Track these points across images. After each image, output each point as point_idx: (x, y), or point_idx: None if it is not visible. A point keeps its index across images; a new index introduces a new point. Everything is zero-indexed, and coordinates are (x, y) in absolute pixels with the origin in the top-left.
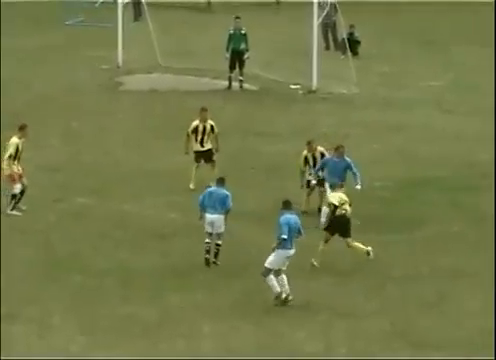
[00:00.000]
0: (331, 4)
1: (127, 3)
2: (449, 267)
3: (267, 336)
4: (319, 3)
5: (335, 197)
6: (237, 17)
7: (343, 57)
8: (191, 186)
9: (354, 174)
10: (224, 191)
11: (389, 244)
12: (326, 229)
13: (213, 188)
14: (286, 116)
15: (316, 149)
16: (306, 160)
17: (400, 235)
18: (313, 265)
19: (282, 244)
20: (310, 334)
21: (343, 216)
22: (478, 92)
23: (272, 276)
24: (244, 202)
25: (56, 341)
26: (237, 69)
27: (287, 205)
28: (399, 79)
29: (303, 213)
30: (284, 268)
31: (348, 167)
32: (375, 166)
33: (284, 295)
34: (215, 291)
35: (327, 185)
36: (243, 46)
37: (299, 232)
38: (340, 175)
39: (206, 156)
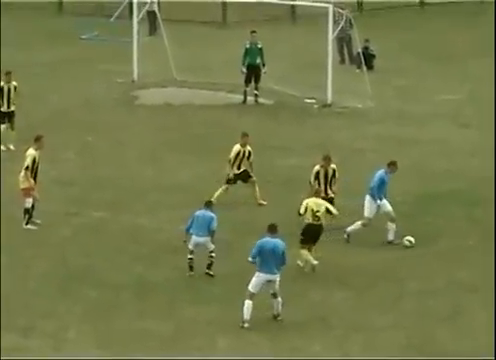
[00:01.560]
0: (346, 18)
1: (142, 18)
2: (465, 281)
3: (283, 351)
4: (334, 17)
5: (309, 204)
6: (253, 31)
7: (358, 71)
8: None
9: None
10: (210, 214)
11: (405, 257)
12: (302, 238)
13: (201, 211)
14: (301, 130)
15: (330, 165)
16: (317, 175)
17: (416, 249)
18: (298, 265)
19: (259, 267)
20: (326, 348)
21: (317, 225)
22: (494, 106)
23: (248, 301)
24: (260, 215)
25: (72, 355)
26: (252, 83)
27: (271, 229)
28: (414, 93)
29: None
30: (276, 290)
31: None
32: (392, 181)
33: (245, 324)
34: (230, 305)
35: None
36: (259, 60)
37: (282, 258)
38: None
39: (243, 176)
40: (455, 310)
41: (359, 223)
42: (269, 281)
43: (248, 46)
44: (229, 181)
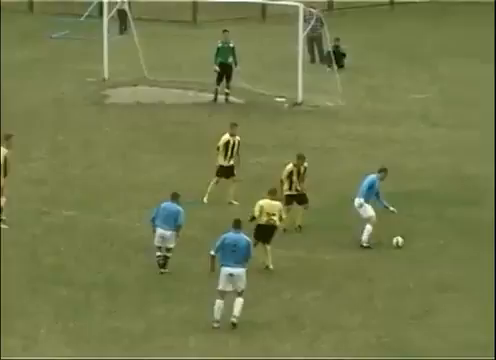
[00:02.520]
0: (317, 17)
1: (112, 16)
2: (435, 280)
3: (254, 350)
4: (305, 16)
5: (263, 205)
6: (225, 30)
7: (329, 70)
8: (205, 200)
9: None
10: (177, 207)
11: (376, 257)
12: (254, 236)
13: (167, 203)
14: (272, 129)
15: (303, 164)
16: (290, 174)
17: (387, 248)
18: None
19: (222, 261)
20: (296, 347)
21: (270, 226)
22: (464, 105)
23: (219, 301)
24: (231, 213)
25: (42, 354)
26: (224, 82)
27: (235, 224)
28: (385, 92)
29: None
30: (239, 289)
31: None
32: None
33: (215, 324)
34: (202, 304)
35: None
36: (231, 59)
37: (244, 253)
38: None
39: (229, 172)
40: (425, 309)
41: (369, 228)
42: (231, 275)
43: (220, 45)
44: (218, 174)
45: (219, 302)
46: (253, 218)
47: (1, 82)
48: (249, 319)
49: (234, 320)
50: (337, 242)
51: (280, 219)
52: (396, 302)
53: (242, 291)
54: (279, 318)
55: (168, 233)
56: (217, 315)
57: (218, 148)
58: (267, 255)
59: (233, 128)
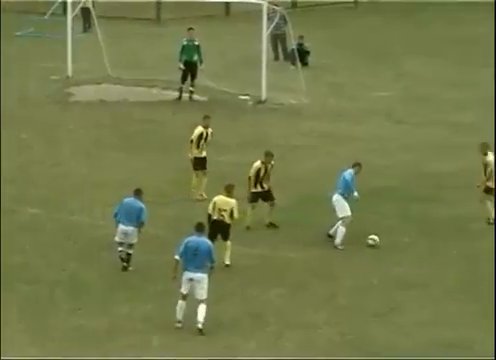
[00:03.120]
0: (280, 15)
1: (76, 15)
2: (399, 277)
3: (218, 348)
4: (268, 14)
5: (216, 201)
6: (190, 28)
7: (292, 68)
8: (199, 197)
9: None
10: (139, 204)
11: (339, 254)
12: (209, 232)
13: (129, 199)
14: (235, 127)
15: (271, 161)
16: (258, 171)
17: (351, 245)
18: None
19: (184, 265)
20: (261, 345)
21: (220, 221)
22: (428, 102)
23: (181, 301)
24: (194, 211)
25: (6, 353)
26: (188, 80)
27: (197, 228)
28: (349, 90)
29: (247, 228)
30: (201, 298)
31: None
32: (325, 177)
33: (178, 324)
34: (165, 302)
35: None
36: (196, 57)
37: (206, 258)
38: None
39: (202, 163)
40: (390, 307)
41: (343, 230)
42: (192, 279)
43: (185, 43)
44: (196, 166)
45: (181, 303)
46: (209, 216)
47: None
48: (213, 317)
49: (199, 326)
50: (301, 240)
51: (230, 216)
52: (360, 299)
53: (203, 300)
54: (243, 316)
55: (130, 229)
56: (179, 315)
57: (192, 141)
58: (226, 250)
59: (206, 120)
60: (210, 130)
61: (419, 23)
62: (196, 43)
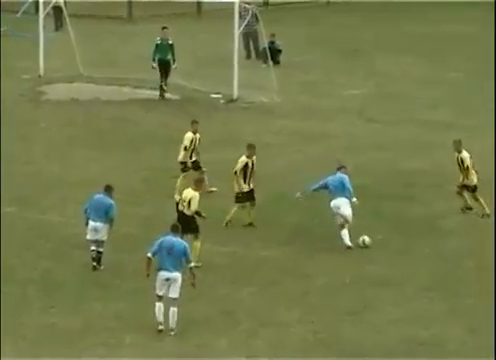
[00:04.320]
0: (252, 13)
1: (48, 13)
2: (372, 276)
3: (189, 346)
4: (240, 13)
5: (183, 193)
6: (164, 27)
7: (264, 66)
8: (176, 197)
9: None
10: (109, 200)
11: (312, 252)
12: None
13: (99, 195)
14: (207, 125)
15: (254, 153)
16: (246, 167)
17: (323, 243)
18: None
19: (158, 265)
20: (232, 343)
21: (181, 212)
22: (400, 100)
23: (158, 303)
24: (166, 209)
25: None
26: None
27: (173, 228)
28: (321, 88)
29: (226, 224)
30: (173, 296)
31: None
32: (297, 175)
33: (159, 326)
34: (138, 301)
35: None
36: (169, 56)
37: (181, 258)
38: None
39: (195, 165)
40: (363, 305)
41: (346, 232)
42: (168, 279)
43: (159, 42)
44: (185, 169)
45: (158, 305)
46: (177, 204)
47: None
48: (185, 315)
49: (172, 333)
50: (273, 238)
51: (188, 206)
52: (333, 298)
53: (176, 299)
54: (215, 314)
55: (99, 225)
56: (159, 317)
57: (185, 148)
58: (195, 252)
59: (194, 125)
60: (198, 135)
61: (391, 21)
62: (170, 42)
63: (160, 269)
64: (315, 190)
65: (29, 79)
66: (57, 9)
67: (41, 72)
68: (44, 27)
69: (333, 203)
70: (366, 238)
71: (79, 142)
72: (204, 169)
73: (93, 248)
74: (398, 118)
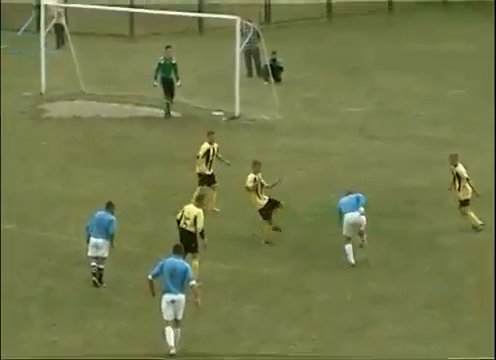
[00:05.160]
0: (254, 31)
1: (50, 31)
2: (373, 293)
3: None
4: (242, 30)
5: (184, 209)
6: (168, 47)
7: (266, 83)
8: (213, 210)
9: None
10: (110, 216)
11: (313, 270)
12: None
13: (101, 212)
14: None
15: (260, 169)
16: (255, 181)
17: (324, 261)
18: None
19: (162, 288)
20: None
21: (183, 229)
22: (401, 118)
23: (168, 328)
24: (167, 227)
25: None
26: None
27: (175, 249)
28: (322, 105)
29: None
30: (179, 317)
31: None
32: (299, 192)
33: (171, 351)
34: (140, 318)
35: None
36: (172, 75)
37: (183, 279)
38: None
39: (211, 179)
40: (364, 322)
41: (350, 247)
42: (173, 301)
43: (162, 61)
44: (202, 182)
45: (168, 329)
46: (178, 222)
47: None
48: (187, 332)
49: (173, 351)
50: (275, 255)
51: (194, 224)
52: (334, 315)
53: (180, 320)
54: (217, 331)
55: (100, 241)
56: (170, 341)
57: (198, 157)
58: (194, 271)
59: (210, 136)
60: (216, 145)
61: (391, 38)
62: (173, 61)
63: (165, 292)
64: (341, 218)
65: (30, 96)
66: (58, 27)
67: (42, 89)
68: (46, 45)
69: (350, 217)
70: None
71: (80, 160)
72: (217, 184)
73: (94, 264)
74: (399, 135)
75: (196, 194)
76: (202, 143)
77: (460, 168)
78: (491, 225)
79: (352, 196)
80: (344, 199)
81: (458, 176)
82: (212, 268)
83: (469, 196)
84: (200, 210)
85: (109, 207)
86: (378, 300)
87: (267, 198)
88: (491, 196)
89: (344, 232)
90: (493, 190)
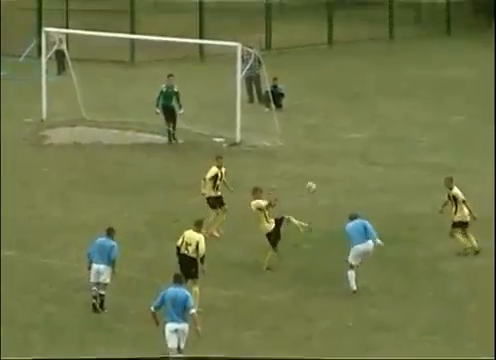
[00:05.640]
0: (255, 57)
1: (51, 57)
2: (374, 319)
3: None
4: (243, 57)
5: (184, 235)
6: (170, 75)
7: (267, 110)
8: (216, 234)
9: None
10: (111, 242)
11: (315, 296)
12: (180, 268)
13: (101, 238)
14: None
15: (260, 196)
16: (261, 207)
17: (325, 287)
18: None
19: (165, 317)
20: None
21: (185, 255)
22: (402, 144)
23: (171, 355)
24: (169, 253)
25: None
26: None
27: (175, 279)
28: (323, 131)
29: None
30: (182, 346)
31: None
32: (300, 219)
33: None
34: (141, 345)
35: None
36: (173, 102)
37: (184, 307)
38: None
39: (219, 202)
40: (365, 348)
41: (353, 274)
42: (177, 330)
43: (164, 90)
44: (214, 205)
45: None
46: (178, 248)
47: None
48: (189, 358)
49: None
50: (275, 281)
51: (196, 250)
52: (335, 341)
53: (181, 346)
54: (218, 358)
55: (102, 267)
56: None
57: (204, 179)
58: (194, 297)
59: (219, 160)
60: (224, 170)
61: (392, 64)
62: (175, 90)
63: (167, 321)
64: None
65: (31, 123)
66: (59, 53)
67: (44, 116)
68: (47, 71)
69: (362, 247)
70: (312, 185)
71: (81, 186)
72: (226, 206)
73: (94, 288)
74: (400, 161)
75: (210, 219)
76: (203, 169)
77: (455, 190)
78: (491, 250)
79: (358, 222)
80: (351, 226)
81: (454, 199)
82: (213, 294)
83: (467, 219)
84: (201, 235)
85: (110, 233)
86: (379, 326)
87: (273, 221)
88: (491, 222)
89: (350, 259)
90: (493, 216)
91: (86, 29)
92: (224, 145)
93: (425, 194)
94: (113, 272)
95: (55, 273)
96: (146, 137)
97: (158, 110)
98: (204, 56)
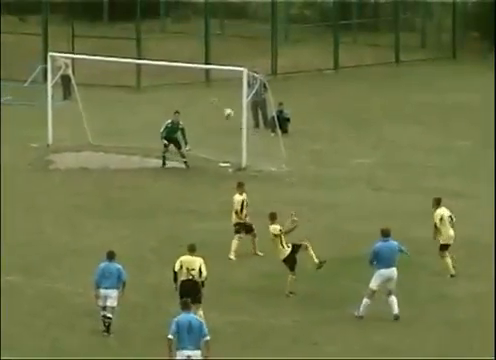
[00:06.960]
0: (261, 82)
1: (56, 82)
2: (381, 345)
3: None
4: (248, 81)
5: (182, 260)
6: (176, 112)
7: (273, 135)
8: (232, 257)
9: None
10: (115, 265)
11: (321, 321)
12: (179, 294)
13: (105, 263)
14: (216, 194)
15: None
16: (276, 234)
17: (332, 311)
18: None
19: (178, 344)
20: None
21: (190, 281)
22: (408, 169)
23: None
24: (171, 280)
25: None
26: (175, 150)
27: (183, 305)
28: (329, 157)
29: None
30: None
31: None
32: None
33: None
34: None
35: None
36: (177, 135)
37: (199, 334)
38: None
39: (247, 228)
40: None
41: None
42: (189, 357)
43: (170, 125)
44: (239, 230)
45: None
46: (175, 273)
47: None
48: None
49: None
50: (281, 306)
51: (200, 274)
52: None
53: None
54: None
55: (110, 292)
56: None
57: (236, 211)
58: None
59: (241, 187)
60: (245, 195)
61: (398, 90)
62: (180, 126)
63: (180, 348)
64: (372, 262)
65: (37, 148)
66: (65, 78)
67: (49, 141)
68: (52, 96)
69: (385, 273)
70: (227, 110)
71: (88, 211)
72: (255, 232)
73: (103, 313)
74: (406, 186)
75: (234, 242)
76: (209, 194)
77: (438, 211)
78: (491, 276)
79: (390, 244)
80: (381, 246)
81: (441, 219)
82: (219, 320)
83: (448, 241)
84: (201, 259)
85: (111, 256)
86: (386, 352)
87: (290, 246)
88: (491, 247)
89: (371, 284)
90: (493, 241)
91: (92, 54)
92: (230, 170)
93: (431, 219)
94: (122, 293)
95: (62, 298)
96: (152, 162)
97: (165, 141)
98: (210, 81)
